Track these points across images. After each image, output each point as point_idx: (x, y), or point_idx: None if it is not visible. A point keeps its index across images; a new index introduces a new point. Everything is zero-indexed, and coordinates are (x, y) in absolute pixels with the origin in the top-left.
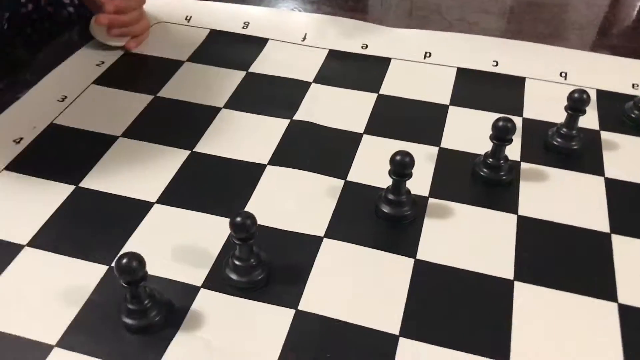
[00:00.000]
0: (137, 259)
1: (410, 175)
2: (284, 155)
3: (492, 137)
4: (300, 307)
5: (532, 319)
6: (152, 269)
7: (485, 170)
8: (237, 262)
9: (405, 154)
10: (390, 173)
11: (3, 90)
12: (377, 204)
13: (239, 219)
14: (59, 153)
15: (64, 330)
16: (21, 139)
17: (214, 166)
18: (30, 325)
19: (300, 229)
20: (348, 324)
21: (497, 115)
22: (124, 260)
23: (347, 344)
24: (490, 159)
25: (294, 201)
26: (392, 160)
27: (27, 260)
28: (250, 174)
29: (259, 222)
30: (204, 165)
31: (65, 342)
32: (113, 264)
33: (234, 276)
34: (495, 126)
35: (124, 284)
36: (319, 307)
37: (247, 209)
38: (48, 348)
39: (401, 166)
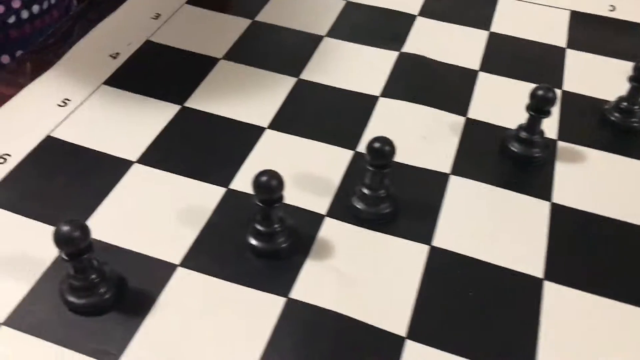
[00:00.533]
0: (277, 178)
1: (548, 113)
2: (396, 88)
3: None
4: (434, 243)
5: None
6: None
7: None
8: (366, 191)
9: (548, 89)
10: (529, 108)
11: (93, 7)
12: (505, 142)
13: (377, 144)
14: (158, 71)
15: (187, 251)
16: (117, 54)
17: (325, 95)
18: (153, 243)
19: (425, 164)
20: (486, 263)
21: (616, 61)
22: (264, 178)
23: (488, 284)
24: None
25: (413, 136)
26: (534, 94)
27: (139, 177)
28: (363, 105)
29: None
30: (313, 93)
31: (189, 262)
32: (252, 180)
33: (361, 206)
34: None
35: (258, 203)
36: (454, 244)
37: (362, 142)
38: (172, 267)
39: (544, 101)
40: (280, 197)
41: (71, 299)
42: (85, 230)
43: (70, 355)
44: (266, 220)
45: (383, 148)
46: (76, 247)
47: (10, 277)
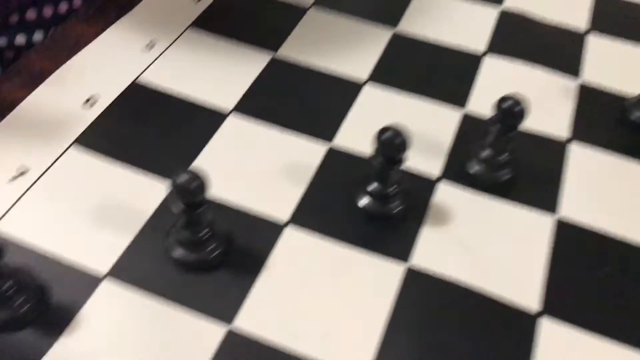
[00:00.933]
0: (403, 136)
1: None
2: (500, 46)
3: None
4: (560, 214)
5: None
6: None
7: None
8: (487, 155)
9: None
10: None
11: None
12: (626, 111)
13: (509, 103)
14: (246, 15)
15: (294, 209)
16: None
17: (425, 50)
18: (258, 200)
19: (541, 129)
20: (616, 239)
21: None
22: (389, 134)
23: (622, 262)
24: None
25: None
26: None
27: (236, 130)
28: (467, 63)
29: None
30: (413, 48)
31: (297, 221)
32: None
33: (479, 170)
34: None
35: (378, 161)
36: (581, 216)
37: (471, 101)
38: (279, 226)
39: None
40: (402, 159)
41: (179, 253)
42: (204, 182)
43: (178, 311)
44: (383, 181)
45: (515, 107)
46: (193, 199)
47: (111, 227)
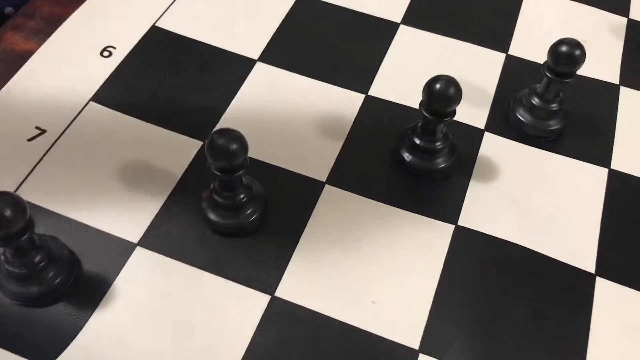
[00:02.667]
0: (456, 86)
1: None
2: None
3: None
4: (613, 167)
5: None
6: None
7: None
8: (537, 103)
9: None
10: None
11: None
12: None
13: (566, 47)
14: None
15: (331, 167)
16: None
17: None
18: (294, 156)
19: (589, 73)
20: None
21: None
22: (440, 84)
23: None
24: None
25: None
26: None
27: (263, 78)
28: (505, 1)
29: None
30: None
31: (336, 180)
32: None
33: (528, 119)
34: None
35: (426, 113)
36: (637, 167)
37: (513, 43)
38: (320, 185)
39: None
40: (454, 111)
41: (214, 217)
42: (244, 144)
43: (217, 279)
44: (429, 133)
45: (573, 52)
46: (231, 162)
47: (140, 191)
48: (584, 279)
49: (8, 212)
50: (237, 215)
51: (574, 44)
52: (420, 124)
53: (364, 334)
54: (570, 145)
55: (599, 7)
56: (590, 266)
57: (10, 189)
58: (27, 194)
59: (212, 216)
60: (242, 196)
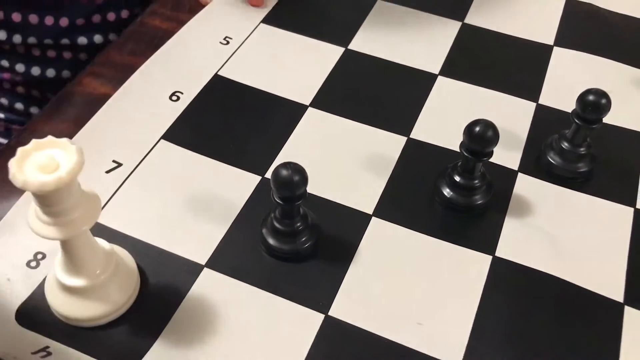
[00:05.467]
0: (493, 130)
1: None
2: (569, 37)
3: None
4: (639, 206)
5: None
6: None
7: None
8: (566, 146)
9: None
10: None
11: None
12: None
13: (593, 97)
14: (314, 10)
15: (377, 200)
16: None
17: (493, 42)
18: (345, 191)
19: (617, 122)
20: None
21: None
22: (480, 127)
23: None
24: None
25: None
26: None
27: (316, 122)
28: (536, 54)
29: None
30: (481, 39)
31: (382, 213)
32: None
33: (558, 161)
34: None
35: (466, 153)
36: None
37: (543, 93)
38: (366, 217)
39: None
40: (492, 152)
41: (273, 243)
42: (304, 176)
43: (274, 299)
44: (468, 172)
45: (599, 101)
46: (293, 192)
47: (206, 219)
48: (612, 308)
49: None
50: (294, 241)
51: (601, 94)
52: (460, 163)
53: (410, 352)
54: (598, 186)
55: (622, 61)
56: (618, 296)
57: None
58: (106, 220)
59: (271, 241)
60: (299, 224)
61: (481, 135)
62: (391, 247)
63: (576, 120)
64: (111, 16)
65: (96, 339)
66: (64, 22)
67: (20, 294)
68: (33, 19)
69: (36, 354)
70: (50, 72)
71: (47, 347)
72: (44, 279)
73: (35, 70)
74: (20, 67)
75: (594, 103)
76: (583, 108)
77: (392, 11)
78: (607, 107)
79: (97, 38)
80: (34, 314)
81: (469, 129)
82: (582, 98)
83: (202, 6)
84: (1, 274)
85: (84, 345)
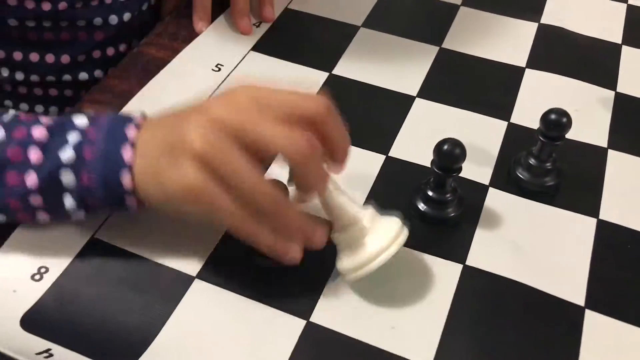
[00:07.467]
0: (461, 147)
1: None
2: (540, 60)
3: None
4: (602, 217)
5: None
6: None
7: None
8: (533, 162)
9: None
10: None
11: None
12: None
13: (554, 116)
14: (300, 38)
15: None
16: (260, 22)
17: (469, 65)
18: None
19: (581, 137)
20: None
21: None
22: (447, 146)
23: None
24: None
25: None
26: None
27: None
28: (509, 76)
29: None
30: (458, 63)
31: None
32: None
33: (526, 177)
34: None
35: (437, 170)
36: (621, 219)
37: (515, 113)
38: None
39: None
40: (460, 168)
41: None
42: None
43: (259, 306)
44: (440, 187)
45: (560, 120)
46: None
47: (196, 234)
48: (574, 311)
49: (457, 151)
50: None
51: (561, 113)
52: (432, 179)
53: (384, 354)
54: (564, 198)
55: (589, 82)
56: (580, 300)
57: (89, 233)
58: (104, 236)
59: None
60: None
61: (449, 153)
62: None
63: (541, 138)
64: (110, 51)
65: (95, 342)
66: (65, 59)
67: (24, 303)
68: (34, 57)
69: (40, 355)
70: (53, 110)
71: (49, 349)
72: (47, 290)
73: (39, 109)
74: (24, 106)
75: (555, 121)
76: (546, 126)
77: (375, 38)
78: (567, 125)
79: (98, 73)
80: (38, 320)
81: (438, 148)
82: (544, 117)
83: (196, 36)
84: (8, 286)
85: (83, 349)
